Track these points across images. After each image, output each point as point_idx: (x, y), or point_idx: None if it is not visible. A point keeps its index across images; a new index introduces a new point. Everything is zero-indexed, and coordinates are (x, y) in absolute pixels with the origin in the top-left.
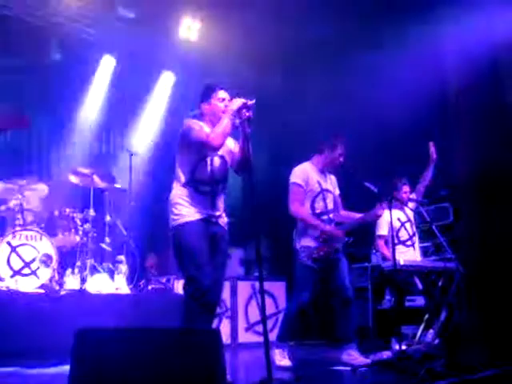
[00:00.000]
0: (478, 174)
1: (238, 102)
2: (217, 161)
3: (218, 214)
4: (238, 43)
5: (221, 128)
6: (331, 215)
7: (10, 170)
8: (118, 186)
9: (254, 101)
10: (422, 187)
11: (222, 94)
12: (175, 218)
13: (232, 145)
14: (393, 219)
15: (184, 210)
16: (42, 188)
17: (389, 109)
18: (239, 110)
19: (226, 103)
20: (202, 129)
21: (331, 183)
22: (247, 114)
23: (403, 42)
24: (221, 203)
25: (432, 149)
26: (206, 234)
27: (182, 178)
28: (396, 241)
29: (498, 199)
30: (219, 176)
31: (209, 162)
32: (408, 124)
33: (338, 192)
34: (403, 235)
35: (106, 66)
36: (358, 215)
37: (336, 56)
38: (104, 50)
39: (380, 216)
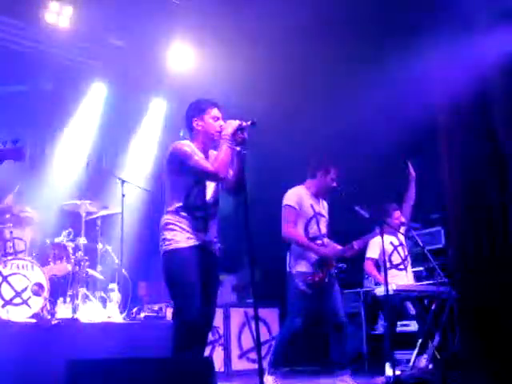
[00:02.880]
0: (467, 195)
1: (233, 124)
2: (210, 184)
3: (210, 239)
4: (230, 69)
5: (223, 157)
6: (325, 240)
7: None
8: (109, 212)
9: (249, 122)
10: (408, 207)
11: (216, 112)
12: (167, 243)
13: None
14: (385, 243)
15: (177, 235)
16: (33, 215)
17: (378, 133)
18: (234, 132)
19: (220, 123)
20: (200, 157)
21: (323, 208)
22: (242, 136)
23: (391, 66)
24: (214, 227)
25: (410, 167)
26: (198, 261)
27: (175, 203)
28: (388, 265)
29: (488, 221)
30: (213, 200)
31: (202, 187)
32: (397, 148)
33: (327, 218)
34: (396, 259)
35: (97, 93)
36: (339, 247)
37: (326, 81)
38: (94, 76)
39: (357, 251)
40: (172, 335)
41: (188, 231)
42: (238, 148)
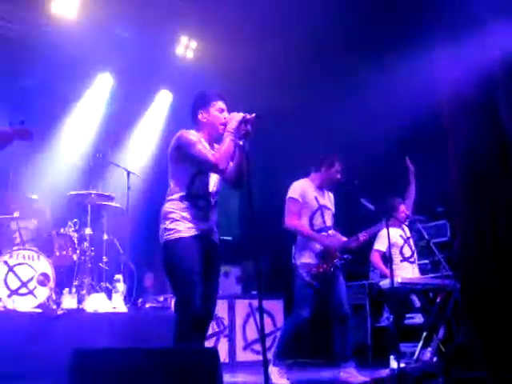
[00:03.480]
0: (472, 188)
1: (237, 117)
2: (213, 174)
3: (211, 228)
4: (236, 62)
5: (225, 149)
6: (330, 232)
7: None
8: (115, 204)
9: (253, 115)
10: (410, 202)
11: (221, 104)
12: (168, 232)
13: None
14: (395, 236)
15: (179, 224)
16: (39, 206)
17: (381, 128)
18: (238, 125)
19: (225, 115)
20: (204, 147)
21: (329, 200)
22: (246, 129)
23: (396, 63)
24: (214, 217)
25: (408, 162)
26: (199, 251)
27: (178, 192)
28: (401, 257)
29: (493, 214)
30: (215, 189)
31: (205, 176)
32: (401, 142)
33: (333, 210)
34: (406, 252)
35: (103, 84)
36: (344, 238)
37: (333, 75)
38: (101, 67)
39: (362, 242)
40: (174, 325)
41: (190, 220)
42: (241, 142)
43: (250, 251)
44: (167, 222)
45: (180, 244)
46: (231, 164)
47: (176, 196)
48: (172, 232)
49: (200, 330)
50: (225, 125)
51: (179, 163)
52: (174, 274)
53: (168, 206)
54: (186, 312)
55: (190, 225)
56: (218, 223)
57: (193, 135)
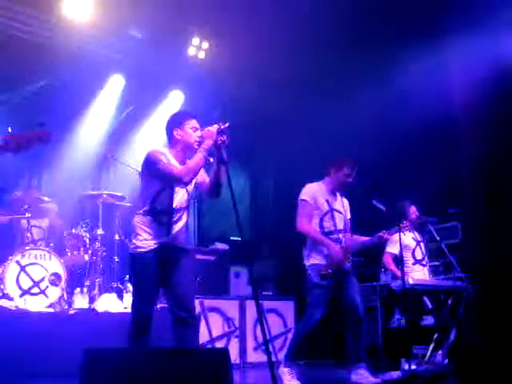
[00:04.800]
0: (486, 193)
1: (212, 131)
2: (178, 190)
3: (173, 238)
4: (247, 63)
5: (194, 164)
6: (340, 235)
7: (19, 188)
8: (127, 204)
9: (227, 124)
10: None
11: (195, 123)
12: (131, 245)
13: (200, 172)
14: (408, 239)
15: (140, 238)
16: (51, 206)
17: (394, 130)
18: (216, 139)
19: (198, 134)
20: (169, 161)
21: (343, 206)
22: (223, 139)
23: (408, 64)
24: (180, 232)
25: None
26: (155, 264)
27: (142, 206)
28: (413, 260)
29: (506, 218)
30: (179, 205)
31: (169, 193)
32: (414, 145)
33: (349, 216)
34: (418, 254)
35: (115, 85)
36: (364, 238)
37: (344, 79)
38: (113, 69)
39: (385, 239)
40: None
41: (150, 234)
42: (212, 159)
43: (261, 252)
44: (132, 235)
45: (138, 259)
46: (206, 179)
47: (141, 210)
48: (133, 246)
49: (184, 324)
50: (199, 142)
51: (146, 179)
52: (131, 282)
53: (135, 220)
54: (132, 315)
55: (150, 238)
56: (187, 231)
57: (159, 152)
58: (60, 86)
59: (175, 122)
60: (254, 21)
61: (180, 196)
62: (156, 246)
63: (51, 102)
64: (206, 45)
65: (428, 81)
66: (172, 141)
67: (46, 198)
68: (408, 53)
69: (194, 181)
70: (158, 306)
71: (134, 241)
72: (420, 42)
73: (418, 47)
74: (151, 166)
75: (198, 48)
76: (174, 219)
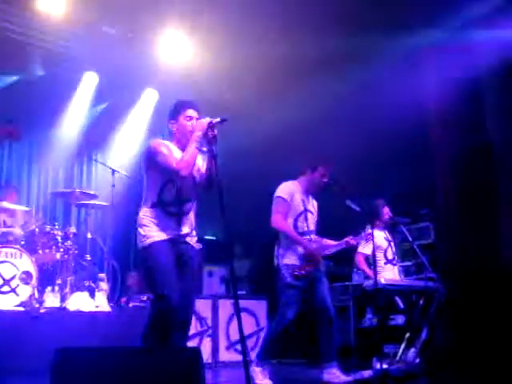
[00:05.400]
0: (457, 194)
1: (203, 123)
2: (185, 181)
3: (185, 233)
4: (222, 61)
5: (188, 157)
6: (312, 236)
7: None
8: (99, 202)
9: (218, 119)
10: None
11: (191, 112)
12: (142, 239)
13: (200, 162)
14: (380, 239)
15: (151, 231)
16: (21, 206)
17: (368, 131)
18: (205, 132)
19: (193, 123)
20: (170, 153)
21: (313, 206)
22: (213, 133)
23: (386, 66)
24: (189, 222)
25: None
26: (172, 252)
27: (149, 200)
28: (385, 260)
29: (477, 220)
30: (187, 196)
31: (176, 183)
32: (389, 147)
33: (316, 217)
34: (389, 254)
35: (88, 83)
36: (330, 242)
37: (321, 77)
38: (86, 66)
39: (351, 245)
40: (146, 321)
41: (161, 227)
42: (205, 148)
43: (234, 251)
44: (140, 230)
45: (153, 248)
46: (201, 169)
47: (148, 203)
48: (145, 239)
49: (178, 328)
50: (192, 132)
51: (149, 171)
52: (149, 273)
53: (141, 214)
54: (161, 309)
55: (162, 231)
56: (196, 227)
57: (160, 143)
58: (33, 82)
59: (171, 115)
60: (230, 18)
61: (186, 185)
62: (169, 236)
63: (24, 98)
64: (181, 42)
65: (401, 82)
66: (170, 133)
67: (17, 208)
68: (379, 53)
69: (195, 172)
70: (130, 304)
71: (144, 233)
72: (393, 41)
73: (390, 47)
74: (151, 158)
75: (173, 45)
76: (183, 210)
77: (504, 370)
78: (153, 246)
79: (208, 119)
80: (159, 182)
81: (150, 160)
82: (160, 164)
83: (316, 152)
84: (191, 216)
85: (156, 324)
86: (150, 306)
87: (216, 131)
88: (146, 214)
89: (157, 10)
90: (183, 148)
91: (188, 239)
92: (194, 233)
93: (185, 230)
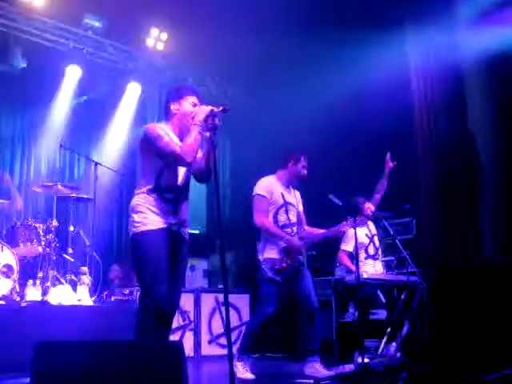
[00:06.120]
0: (440, 190)
1: (205, 110)
2: (181, 167)
3: (180, 221)
4: (206, 54)
5: (191, 142)
6: (294, 228)
7: None
8: (82, 195)
9: (220, 108)
10: (378, 196)
11: (195, 99)
12: (136, 225)
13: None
14: (361, 235)
15: (146, 217)
16: (4, 198)
17: (356, 123)
18: (206, 118)
19: (195, 109)
20: (171, 139)
21: (295, 198)
22: (213, 122)
23: (365, 57)
24: (184, 210)
25: (388, 158)
26: (166, 244)
27: (145, 185)
28: (365, 255)
29: (458, 215)
30: (184, 183)
31: (174, 169)
32: (373, 139)
33: (301, 208)
34: (371, 250)
35: (72, 76)
36: (321, 231)
37: (302, 71)
38: (70, 59)
39: (343, 232)
40: (136, 317)
41: (157, 213)
42: (208, 134)
43: (217, 245)
44: (135, 216)
45: (146, 236)
46: (199, 157)
47: (143, 189)
48: (139, 225)
49: (164, 322)
50: (193, 117)
51: (147, 156)
52: (140, 265)
53: (136, 200)
54: (149, 303)
55: (158, 218)
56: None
57: (160, 128)
58: (16, 75)
59: (174, 95)
60: (214, 11)
61: (183, 172)
62: (165, 225)
63: (7, 89)
64: (164, 36)
65: (386, 76)
66: (169, 115)
67: None
68: (365, 47)
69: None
70: (112, 298)
71: (139, 220)
72: (379, 35)
73: (376, 40)
74: (151, 143)
75: (156, 39)
76: (180, 197)
77: (484, 364)
78: (146, 234)
79: (210, 107)
80: (157, 168)
81: (149, 145)
82: (161, 149)
83: (297, 143)
84: (186, 203)
85: (145, 319)
86: (139, 301)
87: (217, 120)
88: (141, 200)
89: (141, 2)
90: (181, 133)
91: (182, 229)
92: (188, 223)
93: (181, 217)
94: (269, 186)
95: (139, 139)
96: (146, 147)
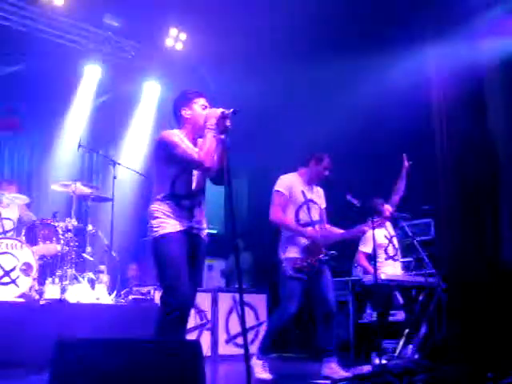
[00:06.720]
0: (459, 191)
1: (216, 112)
2: (196, 173)
3: (197, 224)
4: (224, 54)
5: (208, 147)
6: (316, 226)
7: None
8: (100, 194)
9: (231, 110)
10: (397, 198)
11: (203, 101)
12: (155, 229)
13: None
14: (380, 237)
15: (164, 221)
16: (22, 197)
17: (375, 124)
18: (217, 121)
19: (207, 112)
20: (188, 145)
21: (318, 195)
22: (225, 124)
23: (389, 60)
24: (200, 214)
25: (405, 159)
26: (185, 245)
27: (161, 192)
28: (385, 256)
29: (478, 218)
30: (198, 188)
31: (189, 175)
32: (392, 140)
33: (324, 205)
34: (391, 251)
35: (91, 75)
36: (341, 231)
37: (321, 72)
38: (89, 59)
39: (364, 233)
40: (157, 316)
41: (173, 218)
42: (223, 136)
43: (232, 244)
44: (153, 222)
45: (166, 239)
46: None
47: (159, 196)
48: (158, 229)
49: (182, 321)
50: (205, 121)
51: (162, 164)
52: (160, 266)
53: (153, 206)
54: (170, 302)
55: (175, 221)
56: (207, 220)
57: (175, 135)
58: (36, 73)
59: (183, 101)
60: (232, 11)
61: (197, 178)
62: (182, 228)
63: (27, 88)
64: (183, 36)
65: (406, 80)
66: (181, 121)
67: (12, 195)
68: (387, 54)
69: None
70: (130, 297)
71: (157, 225)
72: (401, 38)
73: (396, 49)
74: (168, 150)
75: (175, 39)
76: (196, 202)
77: (502, 365)
78: (165, 236)
79: (221, 109)
80: (172, 174)
81: (166, 152)
82: (179, 156)
83: (322, 144)
84: (203, 208)
85: (166, 318)
86: (160, 300)
87: (229, 122)
88: (158, 207)
89: (160, 3)
90: (195, 137)
91: (199, 231)
92: (205, 225)
93: (197, 221)
94: (289, 182)
95: (154, 147)
96: (162, 155)
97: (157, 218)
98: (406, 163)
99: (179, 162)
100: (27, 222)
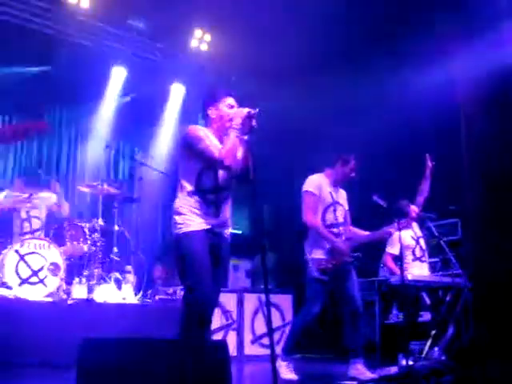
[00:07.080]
0: (486, 193)
1: (242, 113)
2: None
3: (222, 223)
4: (249, 55)
5: (231, 145)
6: (341, 228)
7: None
8: (127, 195)
9: (257, 110)
10: (421, 199)
11: (231, 101)
12: (178, 226)
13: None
14: (407, 238)
15: (188, 219)
16: (50, 196)
17: (398, 127)
18: (243, 121)
19: (233, 111)
20: (211, 142)
21: (342, 197)
22: (251, 124)
23: (414, 62)
24: (226, 211)
25: (428, 160)
26: (208, 244)
27: (187, 187)
28: (413, 257)
29: (505, 218)
30: (224, 184)
31: (214, 170)
32: (417, 141)
33: (347, 207)
34: (418, 252)
35: (117, 78)
36: (366, 233)
37: (347, 73)
38: (115, 60)
39: (390, 234)
40: (180, 315)
41: (199, 215)
42: (246, 137)
43: (258, 245)
44: (177, 218)
45: (189, 237)
46: (238, 159)
47: (185, 191)
48: (182, 226)
49: (206, 320)
50: (231, 121)
51: (187, 159)
52: (183, 265)
53: (178, 202)
54: (192, 302)
55: (200, 219)
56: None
57: (200, 130)
58: (62, 76)
59: (210, 99)
60: (257, 13)
61: (223, 174)
62: (207, 226)
63: (53, 90)
64: (208, 37)
65: (431, 81)
66: (208, 120)
67: (44, 195)
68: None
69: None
70: (157, 297)
71: (181, 221)
72: (425, 46)
73: (423, 51)
74: (192, 145)
75: (200, 40)
76: (221, 198)
77: None
78: (189, 234)
79: (247, 109)
80: (197, 169)
81: (190, 147)
82: (201, 152)
83: (348, 145)
84: (228, 205)
85: (189, 317)
86: (182, 299)
87: (254, 122)
88: (183, 202)
89: (184, 4)
90: (220, 136)
91: (223, 230)
92: (229, 224)
93: (222, 218)
94: (318, 183)
95: (179, 142)
96: (187, 150)
97: (182, 214)
98: (430, 164)
99: (201, 157)
100: (58, 218)
